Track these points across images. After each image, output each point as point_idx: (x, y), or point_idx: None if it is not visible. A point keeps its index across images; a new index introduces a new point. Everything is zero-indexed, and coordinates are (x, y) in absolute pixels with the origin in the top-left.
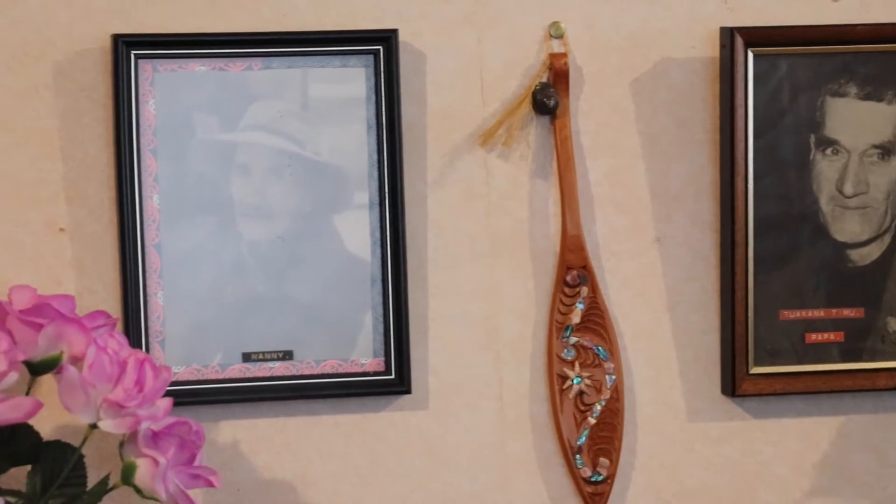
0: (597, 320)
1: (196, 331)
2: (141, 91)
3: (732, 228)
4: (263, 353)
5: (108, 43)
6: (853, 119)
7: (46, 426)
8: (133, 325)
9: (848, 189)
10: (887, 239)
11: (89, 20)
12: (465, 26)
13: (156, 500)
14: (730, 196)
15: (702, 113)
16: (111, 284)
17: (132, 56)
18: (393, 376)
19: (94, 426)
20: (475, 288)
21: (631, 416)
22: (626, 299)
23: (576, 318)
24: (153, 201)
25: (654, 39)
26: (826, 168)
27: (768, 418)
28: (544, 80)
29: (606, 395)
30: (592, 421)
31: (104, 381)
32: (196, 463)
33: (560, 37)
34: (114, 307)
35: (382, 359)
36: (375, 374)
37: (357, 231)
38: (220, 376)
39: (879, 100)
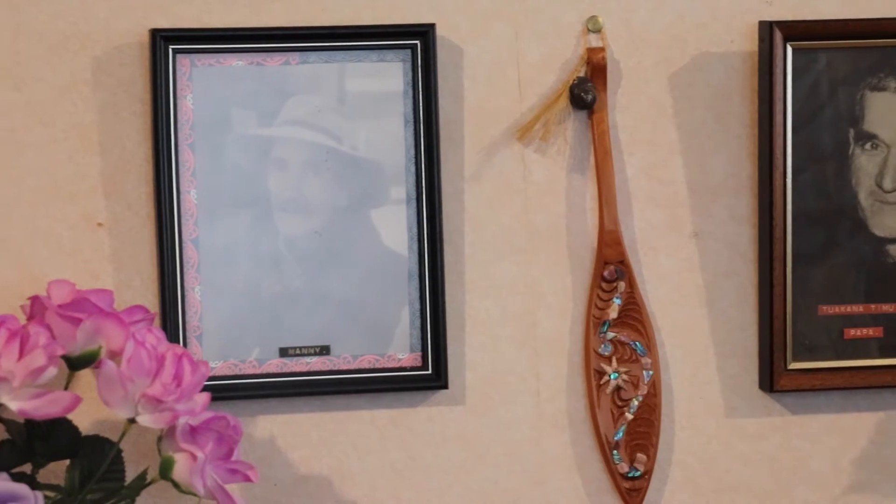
0: (634, 315)
1: (233, 325)
2: (179, 86)
3: (771, 223)
4: (300, 347)
5: (146, 38)
6: (893, 113)
7: (84, 421)
8: (170, 319)
9: (887, 184)
10: None
11: (128, 15)
12: (502, 20)
13: (194, 494)
14: (768, 191)
15: (740, 107)
16: (149, 279)
17: (170, 51)
18: (430, 371)
19: (132, 421)
20: (512, 283)
21: (668, 411)
22: (663, 294)
23: (613, 314)
24: (191, 196)
25: (692, 33)
26: (865, 163)
27: (806, 414)
28: (582, 74)
29: (644, 390)
30: (630, 416)
31: (142, 376)
32: (234, 458)
33: (598, 31)
34: (151, 302)
35: (419, 354)
36: (412, 369)
37: (394, 226)
38: (257, 371)
39: None
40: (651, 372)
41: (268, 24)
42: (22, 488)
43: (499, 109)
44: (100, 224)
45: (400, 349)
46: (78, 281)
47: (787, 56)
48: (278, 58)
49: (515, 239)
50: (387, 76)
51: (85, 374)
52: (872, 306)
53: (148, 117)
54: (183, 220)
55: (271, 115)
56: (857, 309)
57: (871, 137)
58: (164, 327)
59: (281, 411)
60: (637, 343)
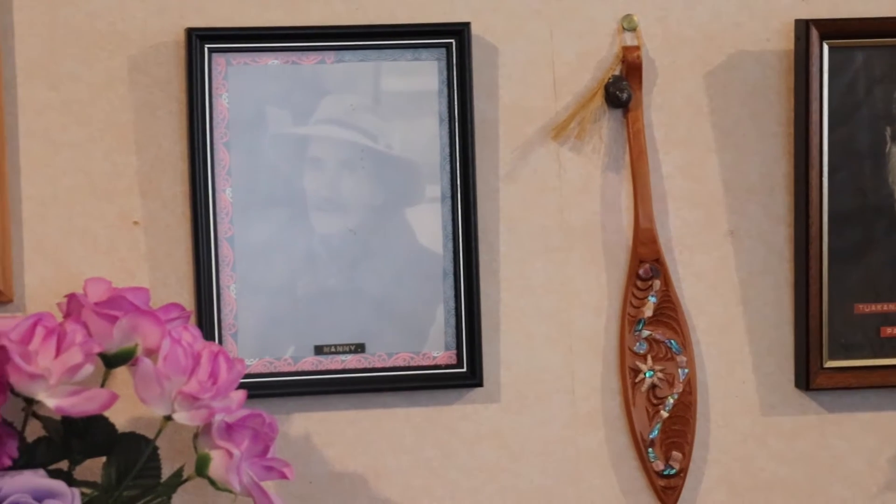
0: (669, 314)
1: (268, 323)
2: (214, 85)
3: (807, 222)
4: (335, 345)
5: (182, 37)
6: None
7: (120, 418)
8: (206, 317)
9: None
10: None
11: (163, 14)
12: (537, 19)
13: (229, 491)
14: (804, 189)
15: (776, 106)
16: (184, 277)
17: (206, 50)
18: (465, 369)
19: (168, 418)
20: (547, 281)
21: (704, 409)
22: (698, 293)
23: (648, 312)
24: (226, 194)
25: (727, 32)
26: None
27: (842, 412)
28: (617, 73)
29: (679, 388)
30: (665, 414)
31: (179, 374)
32: (269, 455)
33: (633, 29)
34: (187, 300)
35: (454, 352)
36: (447, 367)
37: (429, 224)
38: (293, 369)
39: None
40: (686, 370)
41: (303, 23)
42: (59, 485)
43: (534, 108)
44: (136, 222)
45: (435, 347)
46: (114, 279)
47: (824, 54)
48: (314, 57)
49: (550, 237)
50: (422, 75)
51: (121, 372)
52: None
53: (184, 116)
54: (218, 219)
55: (306, 113)
56: (894, 307)
57: None
58: (200, 325)
59: (316, 409)
60: (672, 341)
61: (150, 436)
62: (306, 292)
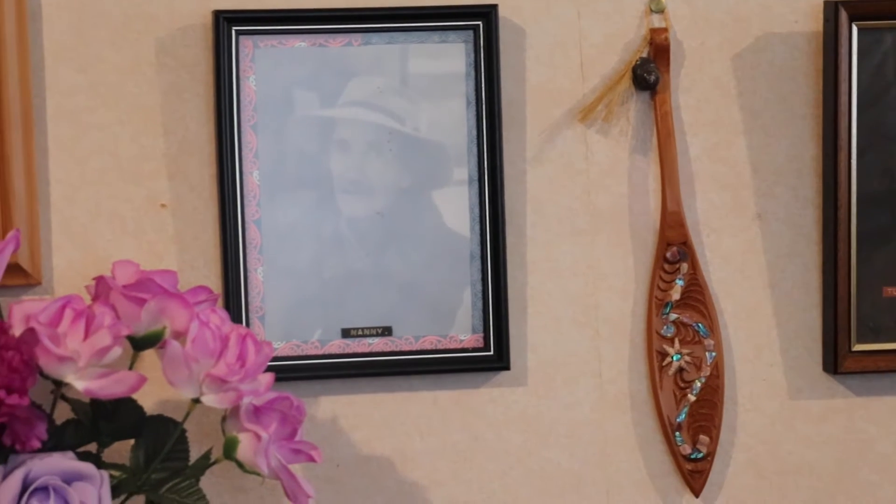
0: (697, 297)
1: (295, 306)
2: (242, 67)
3: (835, 204)
4: (362, 328)
5: (209, 19)
6: None
7: (148, 401)
8: (233, 300)
9: None
10: None
11: None
12: (564, 1)
13: (257, 474)
14: (832, 172)
15: (804, 88)
16: (212, 260)
17: (233, 32)
18: (492, 353)
19: (196, 401)
20: (574, 264)
21: (731, 393)
22: (726, 276)
23: (675, 295)
24: (253, 177)
25: (755, 14)
26: None
27: (871, 396)
28: (644, 55)
29: (706, 371)
30: (692, 398)
31: (207, 356)
32: (297, 438)
33: (661, 11)
34: (214, 283)
35: (481, 335)
36: (474, 350)
37: (456, 207)
38: (320, 352)
39: None
40: (714, 353)
41: (330, 4)
42: (88, 467)
43: (561, 90)
44: (163, 205)
45: (462, 330)
46: (142, 262)
47: (853, 36)
48: (341, 39)
49: (577, 220)
50: (449, 57)
51: (148, 355)
52: None
53: (211, 99)
54: (246, 202)
55: (333, 96)
56: None
57: None
58: (227, 308)
59: (343, 392)
60: (700, 324)
61: (178, 418)
62: (333, 275)
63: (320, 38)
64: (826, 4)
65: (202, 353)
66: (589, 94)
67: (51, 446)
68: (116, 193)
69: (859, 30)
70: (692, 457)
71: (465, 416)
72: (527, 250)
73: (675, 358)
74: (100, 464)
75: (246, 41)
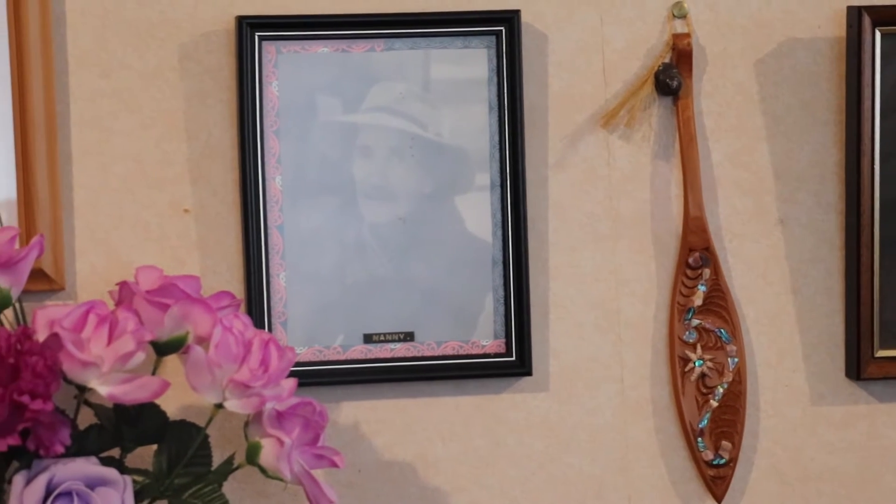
0: (719, 303)
1: (318, 312)
2: (264, 72)
3: (858, 210)
4: (385, 334)
5: (232, 25)
6: None
7: (171, 406)
8: (256, 305)
9: None
10: None
11: (214, 2)
12: (587, 7)
13: (280, 479)
14: (855, 177)
15: (827, 93)
16: (234, 265)
17: (256, 38)
18: (514, 358)
19: (219, 406)
20: (596, 270)
21: (753, 399)
22: (748, 281)
23: (698, 301)
24: (276, 182)
25: (778, 19)
26: None
27: (894, 402)
28: (667, 60)
29: (729, 377)
30: (714, 404)
31: (230, 362)
32: (319, 443)
33: (683, 17)
34: (237, 288)
35: (503, 340)
36: (496, 355)
37: (478, 213)
38: (342, 357)
39: None
40: (736, 359)
41: (353, 10)
42: (111, 472)
43: (583, 96)
44: (186, 210)
45: (484, 336)
46: (164, 267)
47: (876, 41)
48: (363, 44)
49: (599, 226)
50: (471, 63)
51: (171, 360)
52: None
53: (234, 104)
54: (268, 207)
55: (356, 101)
56: None
57: None
58: (250, 313)
59: (365, 397)
60: (722, 330)
61: (201, 424)
62: (356, 280)
63: (343, 44)
64: (849, 10)
65: (225, 358)
66: (611, 99)
67: (74, 451)
68: (140, 199)
69: (882, 35)
70: (714, 463)
71: (487, 421)
72: (549, 256)
73: (697, 364)
74: (123, 469)
75: (269, 47)
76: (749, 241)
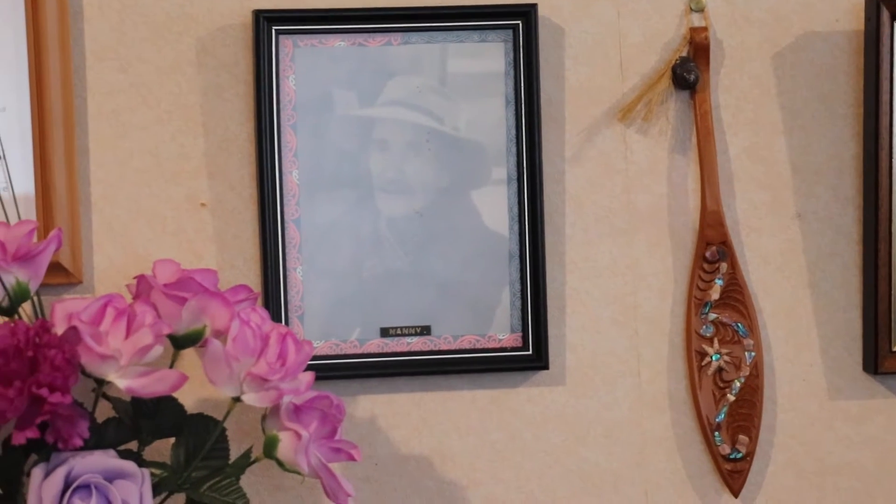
0: (736, 297)
1: (334, 305)
2: (281, 66)
3: (876, 204)
4: (401, 328)
5: (249, 19)
6: None
7: (188, 399)
8: (273, 299)
9: None
10: None
11: None
12: (604, 0)
13: (297, 473)
14: (873, 171)
15: (845, 87)
16: (251, 259)
17: (273, 32)
18: (530, 352)
19: (237, 399)
20: (613, 264)
21: (770, 393)
22: (766, 275)
23: (715, 295)
24: (293, 176)
25: (796, 12)
26: None
27: None
28: (684, 54)
29: (746, 371)
30: (731, 398)
31: (247, 355)
32: (337, 437)
33: (700, 10)
34: (254, 282)
35: (520, 334)
36: (513, 349)
37: (495, 207)
38: (359, 351)
39: None
40: (753, 353)
41: (370, 4)
42: (129, 465)
43: (600, 89)
44: (203, 204)
45: (500, 330)
46: (182, 261)
47: (894, 34)
48: (380, 38)
49: (616, 220)
50: (488, 56)
51: (188, 353)
52: None
53: (251, 98)
54: (285, 201)
55: (373, 95)
56: None
57: None
58: (267, 307)
59: (382, 391)
60: (739, 324)
61: (218, 417)
62: (372, 274)
63: (360, 38)
64: (867, 3)
65: (243, 351)
66: (628, 93)
67: (92, 444)
68: (157, 193)
69: None
70: (731, 457)
71: (504, 415)
72: (566, 250)
73: (714, 358)
74: (141, 462)
75: (286, 41)
76: (766, 235)
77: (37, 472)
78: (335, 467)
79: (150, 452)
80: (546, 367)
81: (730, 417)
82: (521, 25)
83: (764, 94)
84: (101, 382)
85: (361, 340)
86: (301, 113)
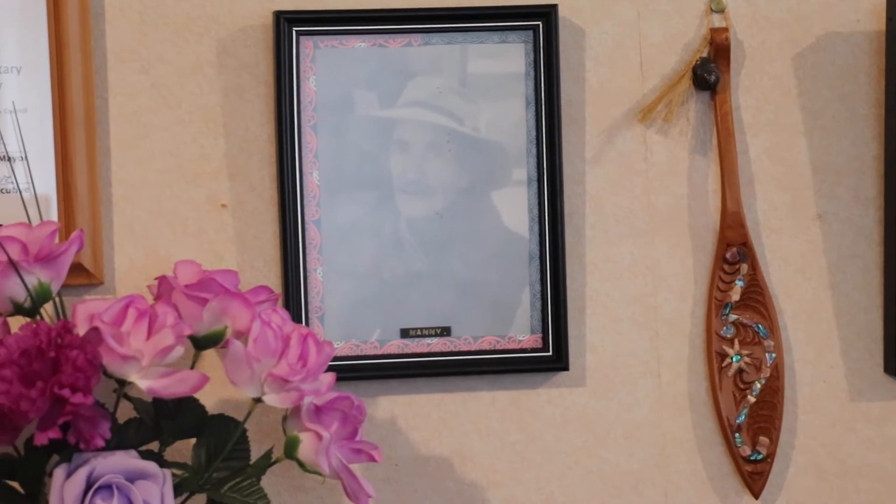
0: (757, 298)
1: (355, 306)
2: (302, 67)
3: None
4: (421, 329)
5: (269, 20)
6: None
7: (209, 400)
8: (293, 300)
9: None
10: None
11: None
12: (624, 1)
13: (318, 474)
14: (894, 172)
15: (866, 87)
16: (271, 260)
17: (294, 33)
18: (550, 353)
19: (258, 400)
20: (633, 265)
21: (791, 394)
22: (786, 276)
23: (735, 296)
24: (313, 177)
25: (817, 13)
26: None
27: None
28: (705, 54)
29: (766, 373)
30: (752, 399)
31: (269, 356)
32: (357, 438)
33: (721, 11)
34: (274, 283)
35: (540, 335)
36: (533, 350)
37: (515, 207)
38: (379, 352)
39: None
40: (774, 354)
41: (390, 5)
42: (151, 466)
43: (621, 90)
44: (224, 205)
45: (520, 331)
46: (202, 262)
47: None
48: (400, 39)
49: (636, 221)
50: (509, 57)
51: (209, 354)
52: None
53: (271, 99)
54: (305, 202)
55: (393, 96)
56: None
57: None
58: (287, 308)
59: (402, 392)
60: (760, 325)
61: (240, 418)
62: (392, 275)
63: (380, 39)
64: (889, 3)
65: (264, 352)
66: (649, 94)
67: (114, 445)
68: (177, 194)
69: None
70: (752, 458)
71: (524, 416)
72: (586, 251)
73: (734, 359)
74: (162, 462)
75: (306, 42)
76: (787, 237)
77: (59, 473)
78: (356, 468)
79: (171, 453)
80: (566, 368)
81: (750, 419)
82: (541, 26)
83: (784, 94)
84: (122, 383)
85: (381, 341)
86: (321, 114)
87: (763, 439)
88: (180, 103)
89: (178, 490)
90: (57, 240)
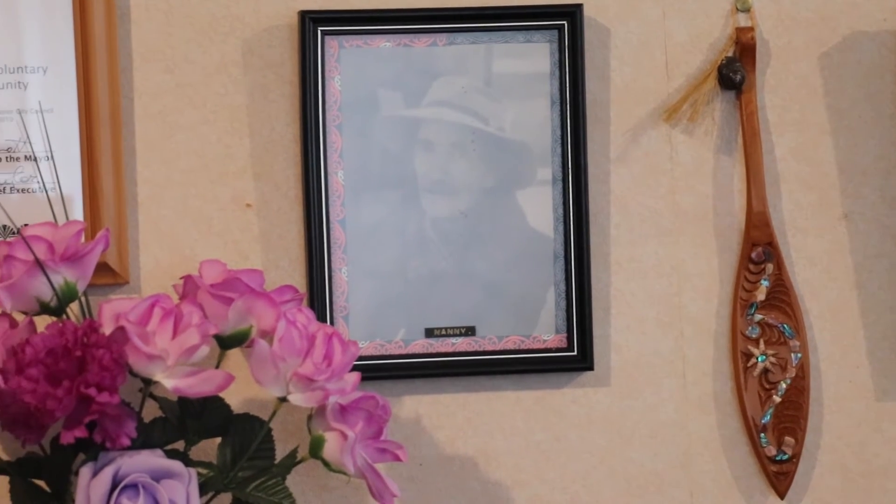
0: (782, 297)
1: (379, 306)
2: (327, 67)
3: None
4: (446, 328)
5: (295, 20)
6: None
7: (234, 399)
8: (318, 299)
9: None
10: None
11: None
12: (649, 1)
13: (343, 473)
14: None
15: (892, 87)
16: (296, 259)
17: (319, 32)
18: (575, 353)
19: (283, 399)
20: (658, 264)
21: (817, 394)
22: (812, 276)
23: (761, 296)
24: (338, 177)
25: (843, 12)
26: None
27: None
28: (730, 54)
29: (792, 373)
30: (777, 399)
31: (294, 355)
32: (382, 437)
33: (747, 10)
34: (299, 282)
35: (565, 335)
36: (557, 350)
37: (540, 207)
38: (403, 351)
39: None
40: (799, 354)
41: (415, 5)
42: (176, 465)
43: (646, 90)
44: (249, 205)
45: (545, 330)
46: (227, 261)
47: None
48: (425, 39)
49: (661, 220)
50: (534, 57)
51: (234, 354)
52: None
53: (296, 99)
54: (330, 201)
55: (418, 96)
56: None
57: None
58: (312, 307)
59: (426, 392)
60: (785, 325)
61: (265, 417)
62: (417, 275)
63: (405, 39)
64: None
65: (289, 352)
66: (674, 93)
67: (140, 444)
68: (202, 193)
69: None
70: (777, 458)
71: (548, 416)
72: (611, 250)
73: (760, 359)
74: (187, 462)
75: (331, 41)
76: (812, 236)
77: (85, 472)
78: (380, 467)
79: (196, 452)
80: (591, 367)
81: (776, 419)
82: (566, 26)
83: (810, 94)
84: (148, 382)
85: (406, 341)
86: (346, 113)
87: (788, 439)
88: (205, 103)
89: (203, 489)
90: (83, 239)
